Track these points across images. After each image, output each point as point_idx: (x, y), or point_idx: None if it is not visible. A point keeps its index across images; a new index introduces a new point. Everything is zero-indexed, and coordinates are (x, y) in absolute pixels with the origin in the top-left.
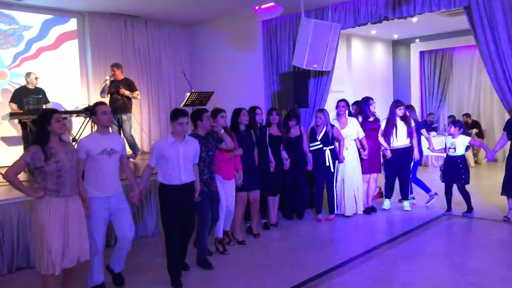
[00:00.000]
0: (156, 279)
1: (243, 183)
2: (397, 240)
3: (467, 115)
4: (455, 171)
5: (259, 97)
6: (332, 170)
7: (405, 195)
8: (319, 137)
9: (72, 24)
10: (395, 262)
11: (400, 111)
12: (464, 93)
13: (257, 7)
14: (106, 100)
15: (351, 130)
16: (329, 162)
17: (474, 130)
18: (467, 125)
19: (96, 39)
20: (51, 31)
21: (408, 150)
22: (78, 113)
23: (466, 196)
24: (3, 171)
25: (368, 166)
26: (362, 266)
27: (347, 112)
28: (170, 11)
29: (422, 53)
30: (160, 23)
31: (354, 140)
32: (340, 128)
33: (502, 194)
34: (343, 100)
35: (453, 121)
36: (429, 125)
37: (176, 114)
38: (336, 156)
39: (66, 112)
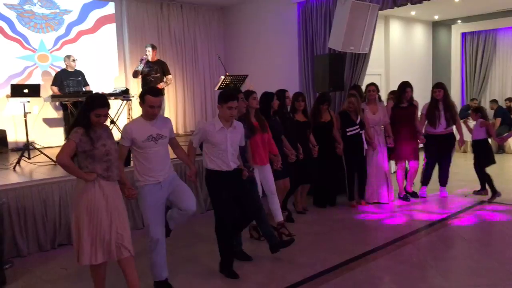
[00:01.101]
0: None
1: (276, 171)
2: (433, 226)
3: (510, 99)
4: None
5: (293, 80)
6: (365, 154)
7: (444, 182)
8: (358, 121)
9: (110, 8)
10: (431, 248)
11: (436, 94)
12: (507, 77)
13: None
14: (139, 81)
15: (381, 116)
16: (366, 146)
17: None
18: (510, 110)
19: (133, 23)
20: (90, 15)
21: (449, 137)
22: (116, 95)
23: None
24: (47, 151)
25: (403, 152)
26: (397, 251)
27: (377, 97)
28: None
29: (464, 35)
30: (195, 6)
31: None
32: (372, 113)
33: None
34: (373, 84)
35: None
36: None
37: (225, 97)
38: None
39: (103, 94)
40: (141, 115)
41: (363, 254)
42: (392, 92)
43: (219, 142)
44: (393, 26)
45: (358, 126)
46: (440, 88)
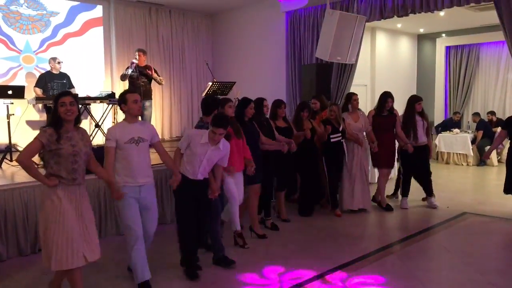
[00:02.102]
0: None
1: (251, 176)
2: (415, 237)
3: (492, 113)
4: None
5: (280, 88)
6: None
7: (430, 191)
8: (341, 129)
9: (98, 11)
10: (414, 259)
11: (419, 106)
12: (489, 90)
13: None
14: (126, 84)
15: (362, 123)
16: (347, 155)
17: (498, 129)
18: (492, 123)
19: (121, 27)
20: (77, 18)
21: (426, 148)
22: (101, 99)
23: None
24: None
25: (382, 159)
26: (380, 261)
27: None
28: (194, 0)
29: (448, 48)
30: (184, 12)
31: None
32: (354, 121)
33: (506, 193)
34: (355, 93)
35: None
36: (453, 123)
37: (216, 122)
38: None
39: (89, 98)
40: (124, 119)
41: (347, 264)
42: None
43: (197, 153)
44: (379, 37)
45: (340, 134)
46: (421, 101)
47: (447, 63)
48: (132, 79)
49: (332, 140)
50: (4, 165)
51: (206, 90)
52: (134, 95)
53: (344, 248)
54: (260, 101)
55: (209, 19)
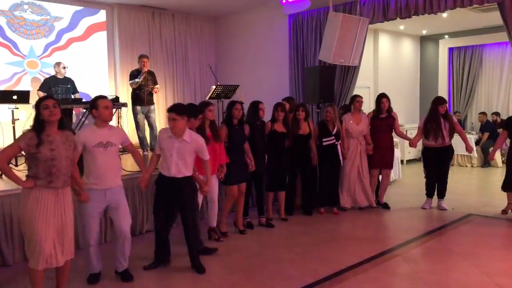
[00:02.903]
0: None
1: (231, 177)
2: (422, 239)
3: (496, 113)
4: None
5: (284, 91)
6: (342, 164)
7: (441, 194)
8: (334, 132)
9: (101, 16)
10: (420, 261)
11: (442, 109)
12: (493, 91)
13: (284, 0)
14: (129, 89)
15: (364, 126)
16: (341, 158)
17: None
18: (496, 124)
19: (124, 31)
20: (81, 22)
21: (448, 149)
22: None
23: None
24: None
25: (378, 161)
26: (387, 263)
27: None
28: (197, 4)
29: (451, 50)
30: (187, 16)
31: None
32: (356, 124)
33: (503, 190)
34: (360, 95)
35: None
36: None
37: (169, 107)
38: (342, 152)
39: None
40: (94, 123)
41: (353, 266)
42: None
43: (164, 148)
44: (382, 39)
45: (333, 137)
46: (445, 103)
47: (450, 65)
48: (141, 86)
49: (324, 143)
50: None
51: (210, 94)
52: (105, 101)
53: (350, 250)
54: (255, 104)
55: (212, 23)
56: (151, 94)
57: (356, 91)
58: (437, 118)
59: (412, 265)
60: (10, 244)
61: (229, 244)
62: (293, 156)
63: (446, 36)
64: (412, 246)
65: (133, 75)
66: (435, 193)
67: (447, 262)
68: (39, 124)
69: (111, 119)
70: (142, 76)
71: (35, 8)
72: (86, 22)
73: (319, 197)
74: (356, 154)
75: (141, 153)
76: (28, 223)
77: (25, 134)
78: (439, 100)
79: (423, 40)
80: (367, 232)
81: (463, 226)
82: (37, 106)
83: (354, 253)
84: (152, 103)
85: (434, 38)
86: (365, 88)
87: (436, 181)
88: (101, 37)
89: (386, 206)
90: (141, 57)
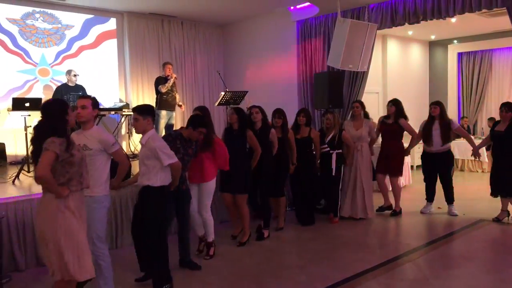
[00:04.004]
0: None
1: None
2: (432, 244)
3: None
4: None
5: (292, 97)
6: (335, 174)
7: (448, 199)
8: (327, 140)
9: (111, 24)
10: (431, 266)
11: (432, 111)
12: (503, 96)
13: (292, 7)
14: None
15: (364, 132)
16: (333, 166)
17: None
18: None
19: (134, 38)
20: (91, 30)
21: (444, 155)
22: (116, 110)
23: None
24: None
25: (384, 167)
26: (398, 269)
27: (362, 113)
28: (206, 11)
29: (460, 55)
30: (195, 23)
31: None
32: (355, 129)
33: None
34: (358, 101)
35: None
36: (464, 129)
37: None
38: (343, 160)
39: (104, 109)
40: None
41: (363, 272)
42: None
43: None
44: (390, 45)
45: (326, 145)
46: (436, 105)
47: (459, 70)
48: (168, 91)
49: (322, 150)
50: (21, 176)
51: (219, 100)
52: (81, 100)
53: (359, 256)
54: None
55: (220, 30)
56: (174, 100)
57: (365, 97)
58: (428, 121)
59: (422, 271)
60: (22, 249)
61: (238, 249)
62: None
63: (455, 41)
64: (423, 252)
65: (161, 80)
66: (445, 199)
67: (458, 268)
68: (63, 126)
69: (81, 120)
70: (172, 80)
71: (46, 17)
72: (97, 30)
73: (314, 205)
74: (356, 162)
75: None
76: (66, 236)
77: (52, 140)
78: (431, 103)
79: (432, 45)
80: (376, 238)
81: (474, 231)
82: (63, 110)
83: (364, 259)
84: (175, 109)
85: (443, 43)
86: (374, 94)
87: (442, 187)
88: (111, 44)
89: (395, 214)
90: (165, 64)
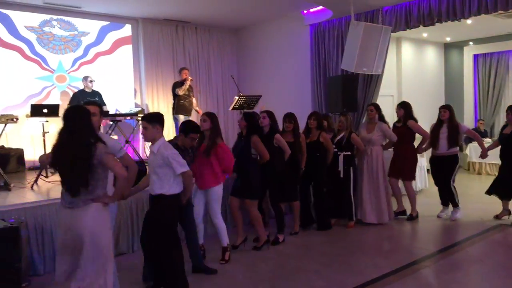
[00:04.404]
0: None
1: (235, 189)
2: (449, 249)
3: None
4: None
5: (306, 101)
6: (343, 176)
7: (446, 202)
8: (335, 141)
9: (127, 30)
10: (449, 271)
11: (441, 115)
12: None
13: (305, 11)
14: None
15: (375, 136)
16: (341, 168)
17: None
18: None
19: (149, 44)
20: (107, 37)
21: (449, 158)
22: (131, 115)
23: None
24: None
25: (396, 171)
26: (415, 275)
27: (377, 116)
28: (220, 16)
29: (476, 57)
30: (209, 28)
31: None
32: (367, 133)
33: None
34: (373, 104)
35: None
36: (480, 132)
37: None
38: (351, 162)
39: (119, 114)
40: None
41: (380, 277)
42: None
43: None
44: (405, 47)
45: (334, 147)
46: (446, 109)
47: (475, 72)
48: (185, 95)
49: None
50: (40, 181)
51: (233, 104)
52: (91, 107)
53: (376, 261)
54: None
55: (234, 34)
56: (191, 105)
57: (379, 100)
58: (436, 124)
59: (441, 276)
60: (41, 254)
61: (254, 254)
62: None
63: (471, 43)
64: (441, 256)
65: (177, 84)
66: (441, 201)
67: (477, 273)
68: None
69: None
70: (188, 82)
71: (63, 24)
72: (112, 36)
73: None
74: (366, 166)
75: None
76: (109, 241)
77: (104, 144)
78: (440, 106)
79: (447, 47)
80: (393, 243)
81: (493, 236)
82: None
83: (381, 264)
84: (191, 113)
85: (458, 45)
86: (389, 97)
87: (442, 189)
88: (127, 50)
89: (410, 218)
90: (182, 69)
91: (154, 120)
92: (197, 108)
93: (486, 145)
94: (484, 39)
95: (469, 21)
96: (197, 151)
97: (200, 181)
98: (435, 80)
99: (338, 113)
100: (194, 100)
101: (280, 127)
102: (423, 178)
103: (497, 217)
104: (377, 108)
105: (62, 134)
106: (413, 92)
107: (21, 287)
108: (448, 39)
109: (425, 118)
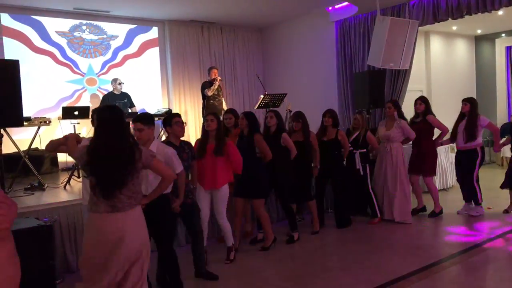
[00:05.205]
0: None
1: (240, 189)
2: (482, 245)
3: None
4: None
5: (332, 98)
6: (362, 173)
7: (468, 198)
8: (351, 139)
9: (153, 33)
10: (481, 269)
11: (462, 107)
12: None
13: (330, 7)
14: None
15: (395, 133)
16: (359, 166)
17: None
18: None
19: (176, 46)
20: (135, 40)
21: (469, 152)
22: (159, 116)
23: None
24: None
25: (417, 167)
26: (443, 272)
27: (395, 114)
28: (244, 16)
29: (508, 48)
30: (234, 28)
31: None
32: (386, 129)
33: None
34: (391, 101)
35: None
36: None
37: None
38: (367, 159)
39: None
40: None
41: (408, 275)
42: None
43: None
44: (433, 41)
45: (349, 145)
46: (467, 102)
47: (508, 64)
48: (214, 95)
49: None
50: (72, 181)
51: (259, 103)
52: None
53: (404, 259)
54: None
55: (259, 33)
56: (221, 104)
57: (408, 95)
58: (458, 118)
59: (472, 273)
60: (74, 251)
61: (281, 251)
62: (321, 164)
63: (503, 35)
64: (472, 253)
65: (206, 84)
66: (462, 196)
67: (508, 270)
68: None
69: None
70: (217, 83)
71: (92, 29)
72: (140, 39)
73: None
74: (383, 163)
75: None
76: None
77: (146, 149)
78: (462, 99)
79: (478, 40)
80: (421, 240)
81: None
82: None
83: (409, 261)
84: (221, 113)
85: (490, 38)
86: (418, 92)
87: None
88: (154, 52)
89: (433, 214)
90: (211, 68)
91: (149, 121)
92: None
93: None
94: None
95: (500, 12)
96: (202, 151)
97: (210, 181)
98: (465, 74)
99: (365, 110)
100: (223, 100)
101: (312, 125)
102: (452, 174)
103: (506, 211)
104: (396, 105)
105: (106, 133)
106: (443, 87)
107: (55, 283)
108: (479, 31)
109: (457, 113)
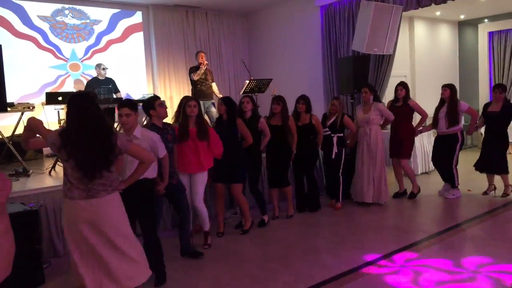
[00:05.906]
0: None
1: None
2: (462, 225)
3: None
4: None
5: (317, 83)
6: (335, 158)
7: (445, 179)
8: (328, 124)
9: (137, 17)
10: (459, 249)
11: (441, 93)
12: None
13: None
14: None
15: (373, 116)
16: (336, 150)
17: None
18: None
19: (160, 31)
20: (118, 24)
21: (449, 137)
22: (143, 102)
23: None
24: None
25: (396, 150)
26: (424, 251)
27: (371, 98)
28: (229, 0)
29: (491, 34)
30: (219, 13)
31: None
32: (363, 113)
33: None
34: (367, 85)
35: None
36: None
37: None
38: (344, 143)
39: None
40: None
41: (388, 254)
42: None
43: None
44: (417, 26)
45: (327, 129)
46: (446, 88)
47: (490, 50)
48: (201, 80)
49: (324, 133)
50: (57, 167)
51: (244, 88)
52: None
53: (386, 239)
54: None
55: (244, 18)
56: (210, 89)
57: (392, 80)
58: (439, 104)
59: (450, 253)
60: (60, 236)
61: (266, 235)
62: (297, 149)
63: (486, 20)
64: (452, 233)
65: (193, 69)
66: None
67: (488, 249)
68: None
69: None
70: (203, 68)
71: (75, 13)
72: (124, 24)
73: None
74: (362, 146)
75: None
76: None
77: (122, 134)
78: (442, 85)
79: (461, 26)
80: (402, 222)
81: (507, 212)
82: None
83: (390, 241)
84: (212, 98)
85: (473, 23)
86: (402, 77)
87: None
88: (138, 37)
89: (412, 196)
90: (198, 52)
91: (136, 106)
92: (220, 95)
93: None
94: (500, 16)
95: None
96: (186, 135)
97: (196, 164)
98: (449, 59)
99: (349, 94)
100: (214, 85)
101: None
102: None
103: (485, 193)
104: (371, 89)
105: (81, 118)
106: (427, 72)
107: (42, 268)
108: (462, 17)
109: (438, 98)
